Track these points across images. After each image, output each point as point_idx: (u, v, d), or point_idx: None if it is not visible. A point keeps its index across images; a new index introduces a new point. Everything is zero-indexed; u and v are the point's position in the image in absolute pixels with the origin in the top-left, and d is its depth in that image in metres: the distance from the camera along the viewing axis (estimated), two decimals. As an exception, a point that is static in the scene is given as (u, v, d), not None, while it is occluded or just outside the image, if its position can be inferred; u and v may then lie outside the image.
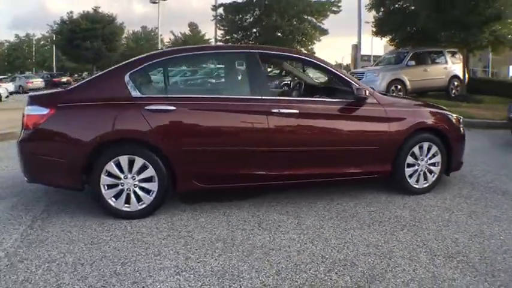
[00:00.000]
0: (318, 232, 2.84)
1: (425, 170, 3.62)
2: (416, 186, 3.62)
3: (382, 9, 14.95)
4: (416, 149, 3.54)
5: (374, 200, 3.50)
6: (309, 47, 24.53)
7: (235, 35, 26.11)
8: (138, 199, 3.04)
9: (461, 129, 3.83)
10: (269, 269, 2.31)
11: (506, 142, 6.31)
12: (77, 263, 2.38)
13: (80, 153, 2.95)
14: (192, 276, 2.23)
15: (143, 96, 3.04)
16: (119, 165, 2.97)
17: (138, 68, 3.11)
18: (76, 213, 3.19)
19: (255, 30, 25.77)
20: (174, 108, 2.99)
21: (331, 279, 2.23)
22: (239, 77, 3.21)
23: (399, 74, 10.66)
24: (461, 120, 3.86)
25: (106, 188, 3.00)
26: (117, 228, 2.89)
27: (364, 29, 22.44)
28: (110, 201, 3.01)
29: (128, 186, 3.00)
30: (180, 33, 45.06)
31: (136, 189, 3.02)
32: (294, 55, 3.58)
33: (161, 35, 41.19)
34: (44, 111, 2.97)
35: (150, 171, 3.00)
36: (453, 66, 11.69)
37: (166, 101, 3.04)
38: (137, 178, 3.01)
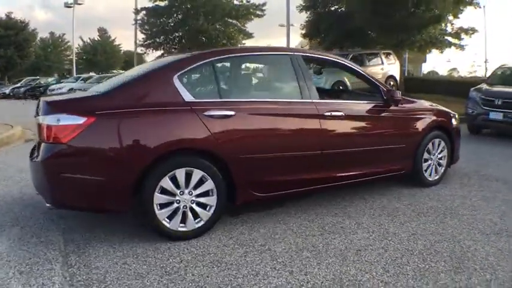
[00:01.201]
0: (382, 229, 2.94)
1: (436, 164, 4.02)
2: (430, 179, 3.99)
3: (314, 11, 15.71)
4: (430, 145, 3.91)
5: (400, 195, 3.75)
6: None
7: (158, 39, 25.14)
8: (195, 216, 2.76)
9: (458, 125, 4.34)
10: (375, 268, 2.33)
11: (465, 135, 7.25)
12: (173, 299, 2.06)
13: (132, 169, 2.55)
14: (315, 289, 2.12)
15: (197, 100, 2.76)
16: (174, 180, 2.65)
17: (187, 68, 2.81)
18: (112, 240, 2.74)
19: (177, 34, 25.13)
20: (233, 113, 2.78)
21: (431, 266, 2.37)
22: (291, 80, 3.13)
23: (341, 76, 11.44)
24: (456, 117, 4.37)
25: (159, 207, 2.65)
26: (180, 252, 2.57)
27: (282, 32, 23.38)
28: (164, 222, 2.67)
29: (185, 203, 2.70)
30: (89, 38, 42.49)
31: (193, 206, 2.74)
32: (334, 59, 3.68)
33: (69, 42, 38.52)
34: (79, 120, 2.47)
35: (209, 184, 2.74)
36: (388, 66, 12.89)
37: (223, 105, 2.81)
38: (194, 193, 2.72)
